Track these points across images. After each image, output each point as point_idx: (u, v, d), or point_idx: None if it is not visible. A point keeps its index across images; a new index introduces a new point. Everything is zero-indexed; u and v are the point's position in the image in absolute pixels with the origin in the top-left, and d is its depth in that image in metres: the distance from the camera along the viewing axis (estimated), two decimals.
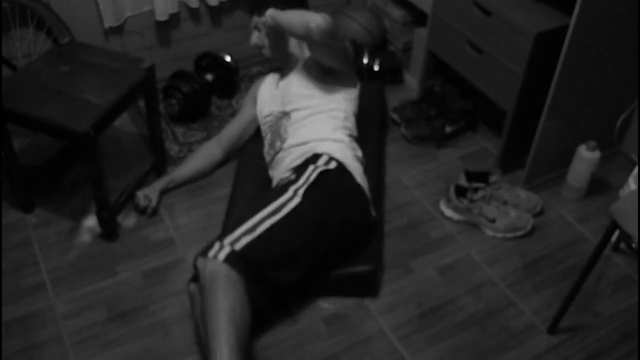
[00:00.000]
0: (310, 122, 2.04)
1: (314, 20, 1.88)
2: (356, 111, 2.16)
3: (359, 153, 2.07)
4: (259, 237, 1.72)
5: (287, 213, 1.78)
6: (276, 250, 1.74)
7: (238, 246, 1.68)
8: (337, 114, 2.07)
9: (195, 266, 1.71)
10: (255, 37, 2.18)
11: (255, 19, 2.17)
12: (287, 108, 2.09)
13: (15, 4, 2.38)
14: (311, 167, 1.90)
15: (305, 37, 1.94)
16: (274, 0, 2.11)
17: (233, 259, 1.65)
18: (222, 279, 1.62)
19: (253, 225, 1.74)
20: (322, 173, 1.88)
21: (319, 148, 1.98)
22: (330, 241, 1.85)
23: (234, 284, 1.62)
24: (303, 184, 1.85)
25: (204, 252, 1.68)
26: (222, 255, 1.65)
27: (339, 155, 1.96)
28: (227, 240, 1.69)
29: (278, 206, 1.79)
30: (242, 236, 1.71)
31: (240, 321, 1.59)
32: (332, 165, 1.92)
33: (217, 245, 1.68)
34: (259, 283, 1.71)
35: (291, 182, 1.87)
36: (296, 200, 1.80)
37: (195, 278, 1.73)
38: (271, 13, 2.04)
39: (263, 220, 1.75)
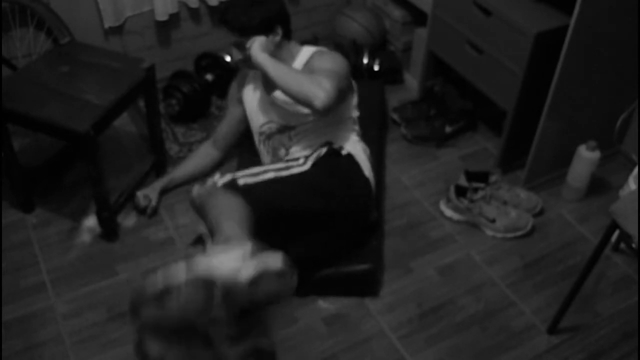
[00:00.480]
0: (316, 129, 2.02)
1: (318, 99, 1.75)
2: (358, 113, 2.16)
3: (367, 151, 2.09)
4: (262, 182, 1.73)
5: (292, 174, 1.81)
6: (275, 200, 1.73)
7: (239, 182, 1.69)
8: (341, 119, 2.07)
9: (191, 197, 1.72)
10: (237, 54, 1.97)
11: (235, 39, 1.95)
12: (292, 123, 2.04)
13: (15, 4, 2.38)
14: (322, 148, 1.94)
15: (303, 105, 1.83)
16: (256, 12, 1.91)
17: (232, 187, 1.66)
18: (220, 190, 1.63)
19: (258, 172, 1.77)
20: (334, 151, 1.92)
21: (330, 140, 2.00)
22: (330, 219, 1.85)
23: (233, 193, 1.64)
24: (315, 156, 1.89)
25: (202, 182, 1.71)
26: (220, 183, 1.67)
27: (349, 148, 1.99)
28: (229, 174, 1.71)
29: (286, 166, 1.83)
30: (245, 176, 1.73)
31: (245, 213, 1.60)
32: (344, 152, 1.96)
33: (217, 175, 1.70)
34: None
35: (303, 156, 1.91)
36: (304, 167, 1.84)
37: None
38: (260, 58, 1.87)
39: (268, 171, 1.78)
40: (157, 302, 1.36)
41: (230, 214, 1.57)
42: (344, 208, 1.88)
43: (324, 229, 1.85)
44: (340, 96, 1.86)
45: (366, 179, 1.97)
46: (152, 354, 1.46)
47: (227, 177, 1.70)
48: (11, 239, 2.13)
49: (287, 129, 2.05)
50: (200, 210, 1.67)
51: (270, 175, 1.77)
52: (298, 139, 2.03)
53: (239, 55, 1.97)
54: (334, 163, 1.92)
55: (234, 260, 1.41)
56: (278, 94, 2.00)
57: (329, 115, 1.87)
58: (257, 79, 2.14)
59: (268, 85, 2.05)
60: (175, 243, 2.13)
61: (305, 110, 1.90)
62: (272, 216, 1.71)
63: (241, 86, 2.23)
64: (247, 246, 1.44)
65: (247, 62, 1.94)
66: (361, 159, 1.99)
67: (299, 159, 1.90)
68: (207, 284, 1.37)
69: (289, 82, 1.83)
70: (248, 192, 1.67)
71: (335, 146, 1.97)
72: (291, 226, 1.77)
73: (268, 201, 1.70)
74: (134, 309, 1.40)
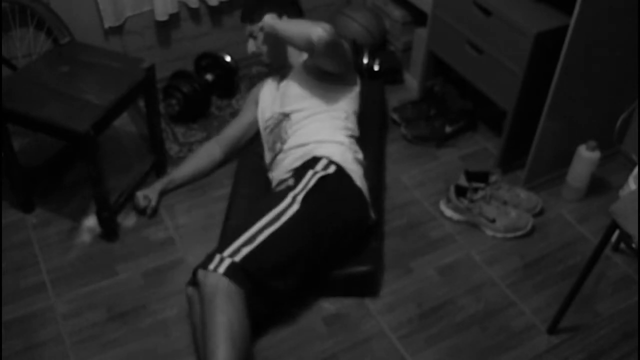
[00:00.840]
0: (311, 122, 2.04)
1: (315, 32, 1.83)
2: (357, 110, 2.16)
3: (360, 155, 2.06)
4: (258, 246, 1.72)
5: (286, 221, 1.78)
6: (276, 259, 1.74)
7: (238, 258, 1.68)
8: (338, 114, 2.07)
9: (194, 274, 1.72)
10: (252, 45, 2.17)
11: (249, 28, 2.16)
12: (287, 109, 2.07)
13: (15, 4, 2.38)
14: (310, 172, 1.89)
15: (307, 49, 1.91)
16: (266, 6, 2.11)
17: (233, 271, 1.66)
18: (222, 293, 1.62)
19: (252, 235, 1.74)
20: (321, 179, 1.87)
21: (319, 151, 1.96)
22: (329, 246, 1.85)
23: (234, 299, 1.63)
24: (302, 190, 1.84)
25: (205, 264, 1.69)
26: (222, 269, 1.66)
27: (338, 158, 1.95)
28: (227, 252, 1.70)
29: (277, 214, 1.79)
30: (241, 247, 1.71)
31: (239, 337, 1.60)
32: (331, 169, 1.91)
33: (217, 258, 1.69)
34: (259, 293, 1.71)
35: (290, 188, 1.86)
36: (295, 207, 1.80)
37: (193, 282, 1.74)
38: (269, 22, 2.02)
39: (262, 229, 1.75)
40: None
41: (225, 349, 1.56)
42: (341, 230, 1.88)
43: (327, 249, 1.86)
44: (337, 42, 1.88)
45: (359, 190, 1.94)
46: None
47: (227, 260, 1.68)
48: (11, 239, 2.13)
49: (284, 118, 2.07)
50: (202, 304, 1.67)
51: (265, 234, 1.74)
52: (293, 132, 2.04)
53: (253, 47, 2.13)
54: (324, 189, 1.87)
55: None
56: (284, 84, 2.11)
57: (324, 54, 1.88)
58: (274, 84, 2.23)
59: (280, 79, 2.17)
60: (175, 243, 2.13)
61: (304, 93, 1.99)
62: (278, 268, 1.75)
63: (261, 89, 2.31)
64: None
65: (265, 43, 2.06)
66: (352, 169, 1.96)
67: (287, 196, 1.83)
68: None
69: (292, 28, 1.92)
70: (250, 267, 1.68)
71: (323, 162, 1.92)
72: (296, 267, 1.79)
73: (270, 267, 1.73)
74: None
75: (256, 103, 2.30)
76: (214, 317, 1.60)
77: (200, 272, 1.68)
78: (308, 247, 1.80)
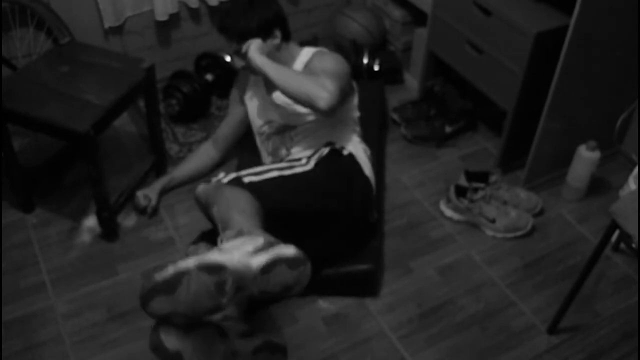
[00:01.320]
0: (318, 129, 2.02)
1: (322, 99, 1.75)
2: (358, 114, 2.16)
3: (368, 152, 2.09)
4: (265, 180, 1.73)
5: (295, 172, 1.81)
6: (279, 198, 1.73)
7: (244, 180, 1.70)
8: (344, 120, 2.07)
9: (195, 197, 1.72)
10: (239, 61, 1.97)
11: (235, 45, 1.95)
12: (293, 122, 2.04)
13: (15, 4, 2.38)
14: (324, 148, 1.94)
15: (308, 107, 1.84)
16: (250, 24, 1.92)
17: (237, 184, 1.66)
18: (227, 188, 1.63)
19: (261, 171, 1.77)
20: (334, 151, 1.92)
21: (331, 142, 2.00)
22: (330, 218, 1.85)
23: (240, 193, 1.62)
24: (317, 156, 1.89)
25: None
26: (225, 180, 1.67)
27: (350, 147, 1.99)
28: (233, 173, 1.72)
29: (289, 165, 1.83)
30: (249, 175, 1.73)
31: (254, 203, 1.59)
32: (345, 152, 1.96)
33: (221, 174, 1.71)
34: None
35: (304, 157, 1.91)
36: (307, 167, 1.84)
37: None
38: (257, 60, 1.86)
39: (271, 170, 1.78)
40: (167, 291, 1.35)
41: (241, 207, 1.56)
42: (344, 207, 1.88)
43: (325, 228, 1.85)
44: (343, 96, 1.86)
45: (366, 178, 1.97)
46: (169, 347, 1.46)
47: (232, 176, 1.71)
48: (11, 239, 2.13)
49: (287, 129, 2.05)
50: (206, 207, 1.66)
51: (274, 173, 1.77)
52: (299, 139, 2.03)
53: (241, 62, 1.96)
54: (336, 163, 1.92)
55: (245, 250, 1.40)
56: (278, 94, 1.98)
57: (332, 115, 1.88)
58: (258, 80, 2.14)
59: (269, 85, 2.05)
60: (175, 243, 2.13)
61: (307, 110, 1.91)
62: (276, 214, 1.70)
63: (243, 87, 2.23)
64: (260, 240, 1.43)
65: (250, 68, 1.93)
66: (362, 158, 2.00)
67: (301, 159, 1.90)
68: (217, 269, 1.36)
69: (290, 84, 1.82)
70: (253, 189, 1.66)
71: (337, 146, 1.97)
72: (293, 226, 1.76)
73: (273, 198, 1.70)
74: (144, 301, 1.39)
75: (241, 102, 2.24)
76: (223, 195, 1.58)
77: (200, 186, 1.68)
78: (310, 203, 1.79)
